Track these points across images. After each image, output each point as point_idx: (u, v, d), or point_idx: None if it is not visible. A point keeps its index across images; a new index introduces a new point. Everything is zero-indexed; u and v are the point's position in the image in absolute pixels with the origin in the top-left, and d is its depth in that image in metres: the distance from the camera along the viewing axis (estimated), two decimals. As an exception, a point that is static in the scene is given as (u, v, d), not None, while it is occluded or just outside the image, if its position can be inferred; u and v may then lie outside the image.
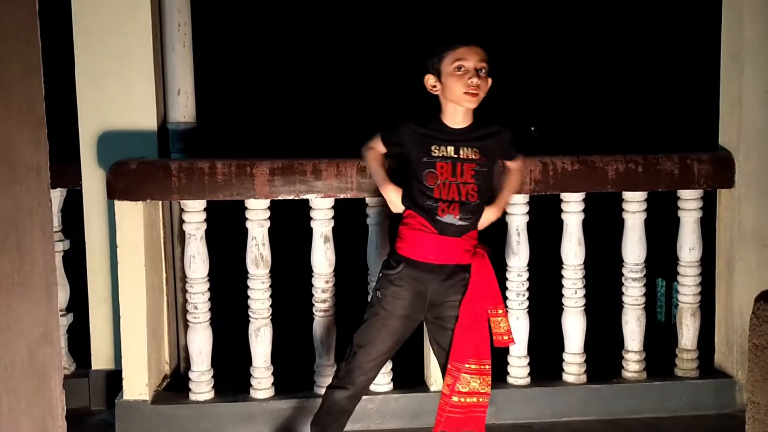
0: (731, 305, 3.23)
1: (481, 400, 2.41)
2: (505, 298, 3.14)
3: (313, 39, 5.92)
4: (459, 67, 2.38)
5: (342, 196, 2.95)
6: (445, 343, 2.45)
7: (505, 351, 3.18)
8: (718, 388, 3.22)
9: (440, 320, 2.46)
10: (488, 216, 2.54)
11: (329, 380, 3.02)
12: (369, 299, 2.66)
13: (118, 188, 2.90)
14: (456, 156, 2.42)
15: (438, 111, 2.50)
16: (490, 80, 2.46)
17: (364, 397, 3.01)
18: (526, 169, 2.99)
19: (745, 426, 2.13)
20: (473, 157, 2.42)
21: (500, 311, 2.45)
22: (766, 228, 3.17)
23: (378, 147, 2.62)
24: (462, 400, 2.39)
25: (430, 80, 2.47)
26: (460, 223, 2.43)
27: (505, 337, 2.46)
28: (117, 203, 2.93)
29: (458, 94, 2.39)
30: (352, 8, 5.71)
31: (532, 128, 6.47)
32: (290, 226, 3.36)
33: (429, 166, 2.41)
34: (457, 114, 2.45)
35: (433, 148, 2.42)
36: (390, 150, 2.60)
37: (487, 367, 2.40)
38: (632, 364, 3.22)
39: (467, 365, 2.38)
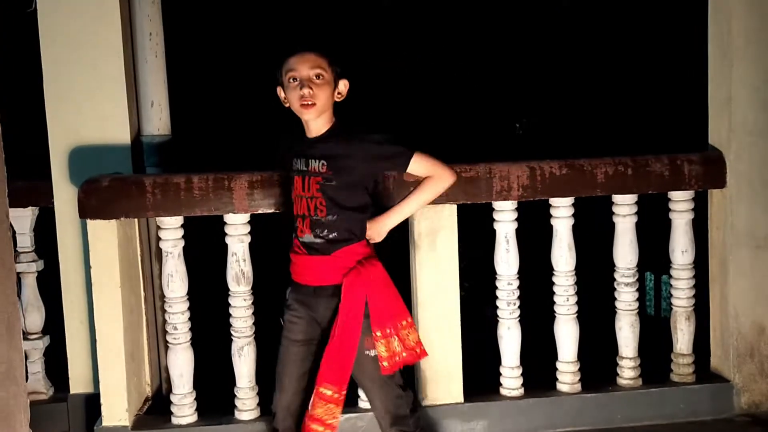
0: (726, 308, 3.16)
1: (326, 431, 2.30)
2: (496, 307, 3.07)
3: (292, 46, 5.82)
4: (293, 78, 2.27)
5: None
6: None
7: (497, 362, 3.11)
8: (715, 392, 3.15)
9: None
10: (373, 228, 2.36)
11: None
12: None
13: (90, 207, 2.78)
14: (305, 169, 2.31)
15: None
16: (343, 82, 2.33)
17: (353, 415, 2.95)
18: (513, 175, 2.91)
19: (743, 430, 2.05)
20: (320, 170, 2.28)
21: (404, 323, 2.30)
22: (759, 228, 3.11)
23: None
24: (309, 425, 2.29)
25: (281, 93, 2.36)
26: (318, 240, 2.30)
27: (417, 350, 2.33)
28: (90, 222, 2.82)
29: (296, 106, 2.29)
30: (332, 16, 5.61)
31: (517, 124, 6.41)
32: (272, 240, 3.25)
33: (291, 180, 2.35)
34: (308, 125, 2.34)
35: (293, 160, 2.35)
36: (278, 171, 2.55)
37: (340, 396, 2.27)
38: (627, 371, 3.15)
39: (321, 389, 2.27)
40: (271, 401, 2.95)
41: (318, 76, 2.25)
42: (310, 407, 2.31)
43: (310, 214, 2.28)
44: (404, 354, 2.32)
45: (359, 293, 2.25)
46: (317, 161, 2.28)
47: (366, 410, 2.98)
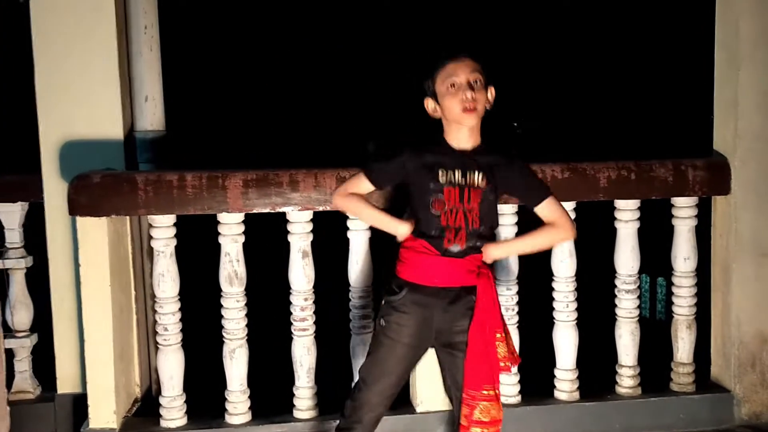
0: (728, 316, 3.10)
1: (500, 428, 2.30)
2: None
3: (290, 41, 5.75)
4: (452, 84, 2.23)
5: (321, 209, 2.78)
6: (457, 371, 2.30)
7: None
8: (715, 402, 3.10)
9: (450, 347, 2.32)
10: (490, 252, 2.32)
11: (308, 402, 2.89)
12: (372, 329, 2.57)
13: (80, 203, 2.71)
14: (464, 182, 2.25)
15: (441, 132, 2.33)
16: (492, 90, 2.31)
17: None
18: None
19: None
20: (479, 183, 2.26)
21: (498, 335, 2.29)
22: (764, 236, 3.05)
23: (360, 189, 2.38)
24: (483, 430, 2.26)
25: (429, 105, 2.31)
26: (465, 251, 2.29)
27: (502, 364, 2.29)
28: (79, 219, 2.75)
29: (456, 112, 2.23)
30: (328, 12, 5.54)
31: (515, 124, 6.34)
32: (266, 240, 3.19)
33: (437, 191, 2.24)
34: (461, 134, 2.28)
35: (440, 172, 2.25)
36: (382, 187, 2.39)
37: (498, 391, 2.28)
38: (626, 379, 3.09)
39: (484, 392, 2.24)
40: (264, 405, 2.92)
41: (476, 81, 2.24)
42: (477, 413, 2.25)
43: (467, 226, 2.25)
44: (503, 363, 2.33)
45: (491, 294, 2.27)
46: (478, 173, 2.26)
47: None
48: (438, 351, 2.38)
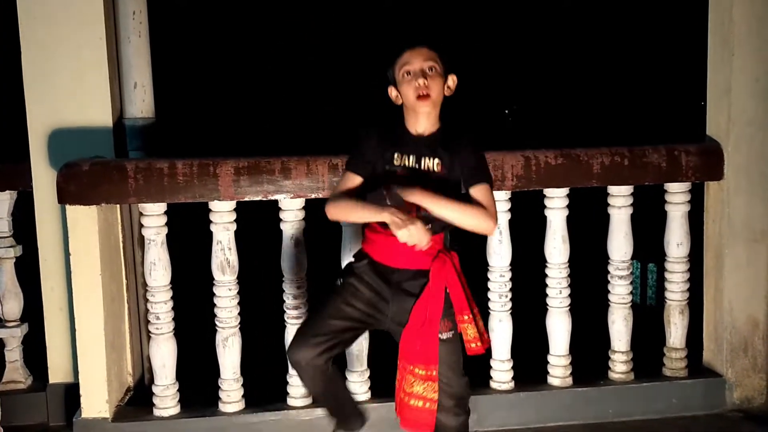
0: (720, 301, 3.11)
1: (428, 405, 2.31)
2: (487, 299, 3.01)
3: (281, 27, 5.69)
4: (407, 72, 2.28)
5: (313, 196, 2.77)
6: None
7: (488, 355, 3.04)
8: (708, 387, 3.11)
9: (401, 326, 2.33)
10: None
11: (302, 390, 2.89)
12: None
13: (69, 192, 2.68)
14: (417, 166, 2.28)
15: (402, 119, 2.36)
16: (453, 77, 2.33)
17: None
18: (507, 164, 2.84)
19: (735, 426, 2.00)
20: (435, 169, 2.28)
21: (466, 317, 2.32)
22: (756, 221, 3.05)
23: (350, 185, 2.33)
24: (409, 401, 2.31)
25: (392, 92, 2.36)
26: None
27: (473, 345, 2.32)
28: (69, 208, 2.72)
29: (411, 99, 2.27)
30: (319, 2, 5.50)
31: (506, 111, 6.31)
32: (258, 228, 3.17)
33: (391, 175, 2.28)
34: (419, 120, 2.31)
35: (396, 155, 2.29)
36: (367, 175, 2.34)
37: (434, 373, 2.29)
38: (619, 365, 3.10)
39: (415, 368, 2.29)
40: (257, 393, 2.91)
41: (431, 68, 2.27)
42: (404, 385, 2.30)
43: (418, 210, 2.24)
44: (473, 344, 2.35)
45: (442, 279, 2.27)
46: (431, 160, 2.27)
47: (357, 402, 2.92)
48: (393, 332, 2.40)
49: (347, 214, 2.32)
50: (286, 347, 2.85)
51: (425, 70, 2.26)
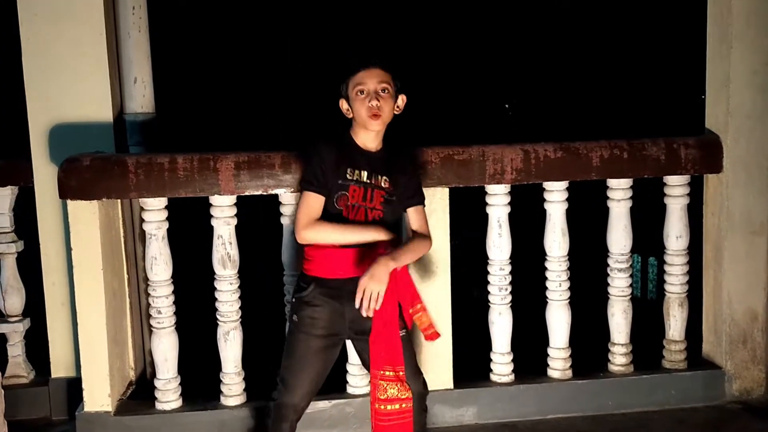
0: (719, 294, 3.12)
1: (404, 406, 2.33)
2: (487, 292, 3.02)
3: (280, 21, 5.69)
4: (360, 91, 2.32)
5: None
6: (368, 355, 2.34)
7: (488, 348, 3.06)
8: (707, 379, 3.13)
9: (362, 334, 2.35)
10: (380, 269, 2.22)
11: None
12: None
13: (70, 187, 2.69)
14: (368, 182, 2.34)
15: (350, 131, 2.39)
16: (403, 97, 2.39)
17: (342, 401, 2.91)
18: (507, 158, 2.85)
19: (734, 417, 2.01)
20: (384, 185, 2.35)
21: (418, 306, 2.36)
22: (755, 214, 3.06)
23: (316, 208, 2.32)
24: (383, 407, 2.31)
25: (344, 105, 2.40)
26: (367, 244, 2.32)
27: (429, 331, 2.36)
28: (70, 203, 2.73)
29: (363, 117, 2.32)
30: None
31: (506, 105, 6.32)
32: (259, 222, 3.18)
33: (342, 188, 2.31)
34: (368, 137, 2.37)
35: (348, 170, 2.33)
36: (326, 194, 2.34)
37: (401, 373, 2.31)
38: (619, 357, 3.11)
39: (383, 372, 2.30)
40: (257, 386, 2.92)
41: (384, 90, 2.33)
42: (377, 394, 2.31)
43: (367, 222, 2.32)
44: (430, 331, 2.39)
45: (392, 277, 2.27)
46: (381, 177, 2.35)
47: (355, 396, 2.94)
48: (354, 342, 2.44)
49: (331, 238, 2.32)
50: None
51: (378, 91, 2.31)
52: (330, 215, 2.31)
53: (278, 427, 2.40)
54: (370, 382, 2.36)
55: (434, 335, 2.38)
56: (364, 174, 2.34)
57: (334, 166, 2.32)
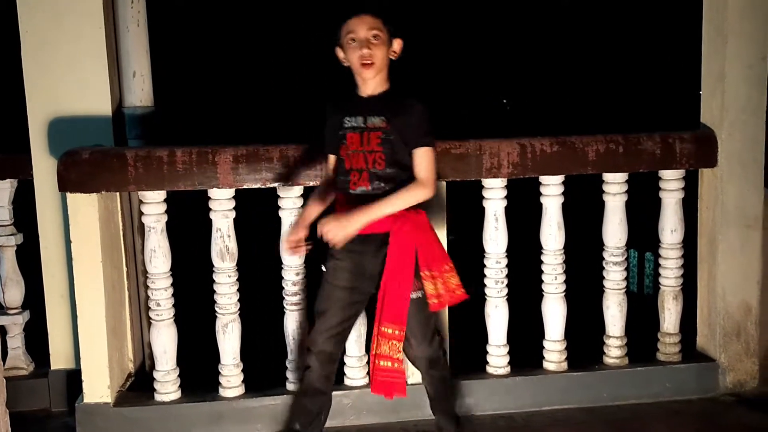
0: (714, 287, 3.15)
1: (395, 366, 2.40)
2: (483, 285, 3.04)
3: (280, 14, 5.69)
4: (352, 39, 2.37)
5: (311, 184, 2.79)
6: None
7: (484, 340, 3.09)
8: (701, 371, 3.15)
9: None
10: (338, 221, 2.30)
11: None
12: None
13: (69, 180, 2.71)
14: (363, 125, 2.39)
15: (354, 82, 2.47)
16: (398, 41, 2.42)
17: (339, 393, 2.93)
18: (503, 152, 2.87)
19: (728, 410, 2.04)
20: (380, 125, 2.37)
21: (446, 267, 2.41)
22: (749, 208, 3.09)
23: (331, 166, 2.51)
24: (378, 363, 2.40)
25: (340, 53, 2.45)
26: (374, 192, 2.37)
27: (458, 292, 2.41)
28: (69, 196, 2.75)
29: (356, 65, 2.39)
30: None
31: (504, 101, 6.35)
32: (257, 215, 3.20)
33: (342, 138, 2.40)
34: (365, 84, 2.42)
35: (345, 119, 2.41)
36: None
37: (398, 332, 2.37)
38: (614, 350, 3.14)
39: (383, 328, 2.38)
40: (256, 378, 2.95)
41: (375, 36, 2.36)
42: (374, 348, 2.39)
43: (368, 168, 2.36)
44: (447, 295, 2.42)
45: (409, 238, 2.34)
46: (377, 117, 2.37)
47: (352, 388, 2.97)
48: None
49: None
50: (285, 333, 2.91)
51: (369, 39, 2.35)
52: (338, 168, 2.40)
53: (305, 362, 2.50)
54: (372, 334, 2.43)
55: (462, 295, 2.41)
56: (360, 119, 2.38)
57: (336, 122, 2.40)
